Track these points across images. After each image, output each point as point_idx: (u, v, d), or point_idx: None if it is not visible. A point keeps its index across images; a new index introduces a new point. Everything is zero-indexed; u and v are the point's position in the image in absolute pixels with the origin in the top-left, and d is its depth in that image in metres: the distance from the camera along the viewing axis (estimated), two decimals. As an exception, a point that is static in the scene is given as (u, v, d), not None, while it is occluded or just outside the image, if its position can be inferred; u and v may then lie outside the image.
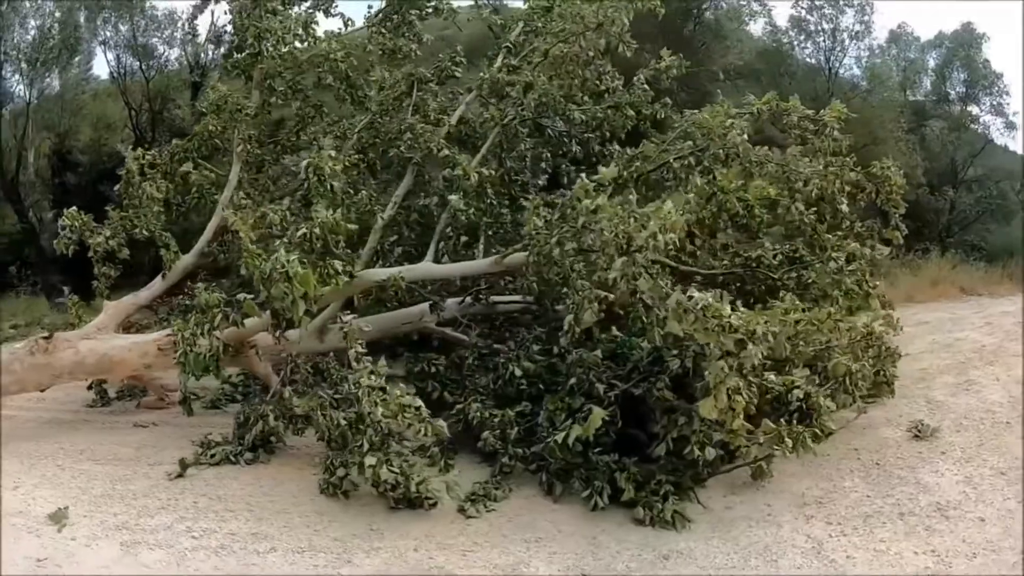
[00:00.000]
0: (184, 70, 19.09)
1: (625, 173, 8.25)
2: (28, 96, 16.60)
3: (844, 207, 9.45)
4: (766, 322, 6.17)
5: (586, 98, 9.80)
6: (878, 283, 8.66)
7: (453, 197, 7.96)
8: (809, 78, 18.40)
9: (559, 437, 6.47)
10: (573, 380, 6.89)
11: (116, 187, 9.15)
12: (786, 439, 6.32)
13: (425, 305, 9.21)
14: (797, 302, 6.91)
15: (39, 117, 16.97)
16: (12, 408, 7.28)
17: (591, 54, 8.61)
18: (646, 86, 9.62)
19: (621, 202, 6.28)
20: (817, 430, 6.57)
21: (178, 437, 7.37)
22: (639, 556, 5.80)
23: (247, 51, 8.28)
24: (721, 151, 7.75)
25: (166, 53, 19.12)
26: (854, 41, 18.59)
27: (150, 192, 8.08)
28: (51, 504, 5.50)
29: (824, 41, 18.45)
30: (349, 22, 9.54)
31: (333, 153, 7.44)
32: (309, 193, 7.47)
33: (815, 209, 9.50)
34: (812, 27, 18.69)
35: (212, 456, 6.77)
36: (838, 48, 18.29)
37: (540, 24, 9.55)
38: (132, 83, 18.38)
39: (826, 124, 8.34)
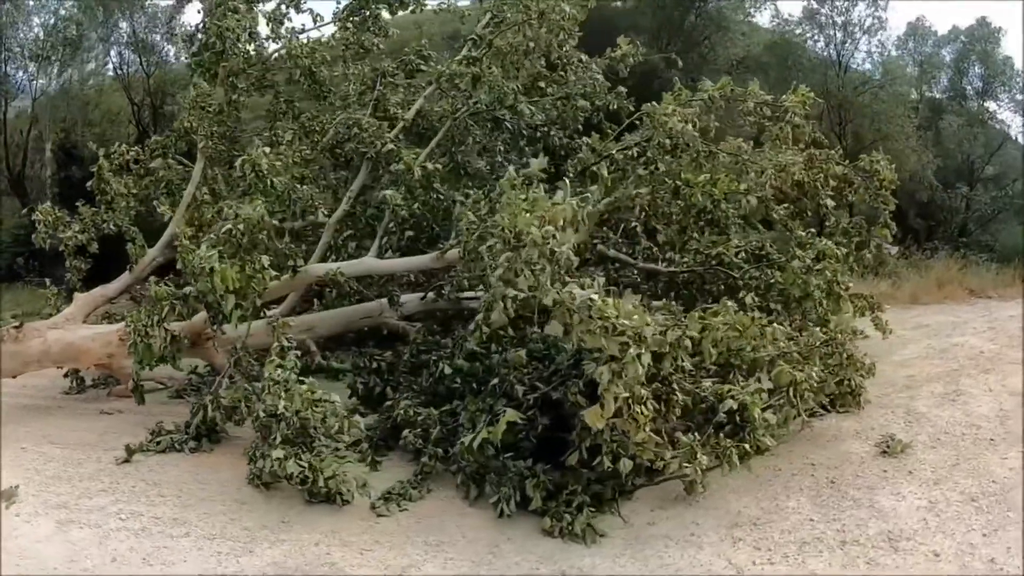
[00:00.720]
0: (182, 65, 18.61)
1: (569, 165, 7.30)
2: (33, 92, 16.40)
3: (828, 202, 8.26)
4: (680, 326, 5.20)
5: (550, 90, 8.74)
6: (850, 284, 7.44)
7: (389, 192, 7.17)
8: (820, 71, 16.86)
9: (467, 440, 5.60)
10: (495, 380, 5.98)
11: (88, 184, 8.81)
12: (699, 456, 5.26)
13: (385, 300, 8.51)
14: (730, 303, 5.84)
15: (46, 112, 16.71)
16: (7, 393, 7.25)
17: (532, 45, 7.55)
18: (599, 76, 8.48)
19: (526, 195, 5.34)
20: (748, 446, 5.47)
21: (139, 425, 7.10)
22: (536, 570, 4.96)
23: (210, 50, 7.75)
24: (668, 140, 6.67)
25: (166, 49, 18.70)
26: (866, 35, 17.01)
27: (117, 188, 7.63)
28: (6, 483, 5.46)
29: (835, 34, 16.91)
30: (318, 18, 8.81)
31: (268, 150, 6.89)
32: (248, 189, 7.02)
33: (790, 204, 8.38)
34: (824, 19, 17.16)
35: (158, 444, 6.50)
36: (849, 42, 16.75)
37: (508, 15, 8.62)
38: (134, 78, 17.90)
39: (787, 110, 7.16)
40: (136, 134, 16.87)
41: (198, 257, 6.00)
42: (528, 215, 5.10)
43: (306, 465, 5.49)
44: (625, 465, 5.23)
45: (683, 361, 5.30)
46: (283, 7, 8.57)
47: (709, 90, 6.91)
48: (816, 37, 17.50)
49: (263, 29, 8.25)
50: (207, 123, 7.80)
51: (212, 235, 6.41)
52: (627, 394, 4.96)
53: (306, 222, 7.60)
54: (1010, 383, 7.90)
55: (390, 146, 7.47)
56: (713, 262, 7.38)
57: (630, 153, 7.10)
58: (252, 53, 7.79)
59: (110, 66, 18.73)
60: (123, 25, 17.37)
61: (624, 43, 8.53)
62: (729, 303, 5.90)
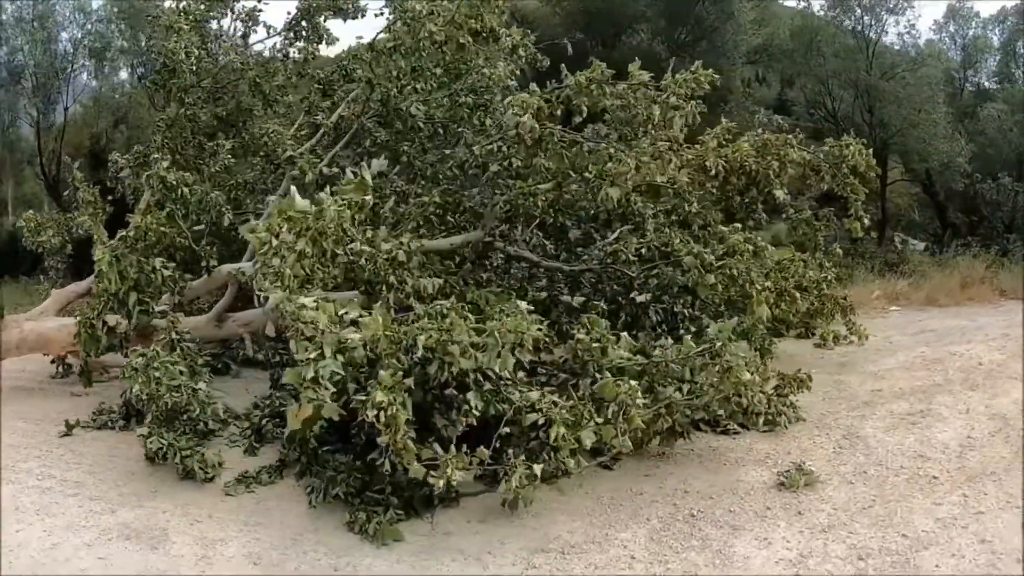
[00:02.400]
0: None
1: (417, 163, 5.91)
2: (64, 101, 16.49)
3: (780, 192, 6.28)
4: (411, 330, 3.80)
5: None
6: (766, 285, 5.46)
7: (271, 198, 6.12)
8: (850, 56, 13.79)
9: (286, 430, 4.50)
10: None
11: (66, 192, 8.32)
12: (451, 471, 3.83)
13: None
14: (522, 304, 4.26)
15: (75, 121, 16.61)
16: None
17: (409, 42, 6.01)
18: (497, 70, 6.72)
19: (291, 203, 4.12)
20: (545, 466, 3.91)
21: (95, 405, 6.66)
22: (317, 561, 3.93)
23: (160, 68, 7.03)
24: (514, 132, 5.01)
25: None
26: (893, 15, 13.66)
27: (85, 196, 7.17)
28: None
29: (862, 15, 13.71)
30: (271, 29, 7.73)
31: (165, 164, 6.14)
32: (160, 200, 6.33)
33: (737, 195, 6.47)
34: (850, 1, 13.91)
35: (95, 421, 6.14)
36: (876, 24, 13.56)
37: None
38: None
39: (661, 90, 5.24)
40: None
41: (99, 259, 5.68)
42: (279, 221, 3.92)
43: (165, 443, 4.94)
44: (417, 471, 3.87)
45: (453, 367, 3.89)
46: (237, 23, 7.72)
47: (576, 76, 5.14)
48: (841, 19, 14.30)
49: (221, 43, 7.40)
50: (159, 137, 7.09)
51: (111, 241, 5.92)
52: (382, 398, 3.66)
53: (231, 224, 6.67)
54: (997, 403, 5.62)
55: (289, 152, 6.39)
56: (608, 260, 5.67)
57: (491, 148, 5.52)
58: (196, 70, 6.84)
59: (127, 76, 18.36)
60: (142, 37, 16.96)
61: (517, 34, 6.75)
62: (521, 303, 4.33)
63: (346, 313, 3.85)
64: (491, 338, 3.92)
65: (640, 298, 5.21)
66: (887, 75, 12.91)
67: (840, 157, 6.57)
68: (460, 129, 6.11)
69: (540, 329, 4.12)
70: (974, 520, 4.07)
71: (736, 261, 5.13)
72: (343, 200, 4.09)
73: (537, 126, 4.66)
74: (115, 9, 16.18)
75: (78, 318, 6.43)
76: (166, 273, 5.58)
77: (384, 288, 4.60)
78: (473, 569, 3.83)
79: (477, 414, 4.07)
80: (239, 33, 7.53)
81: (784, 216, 7.02)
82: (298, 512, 4.48)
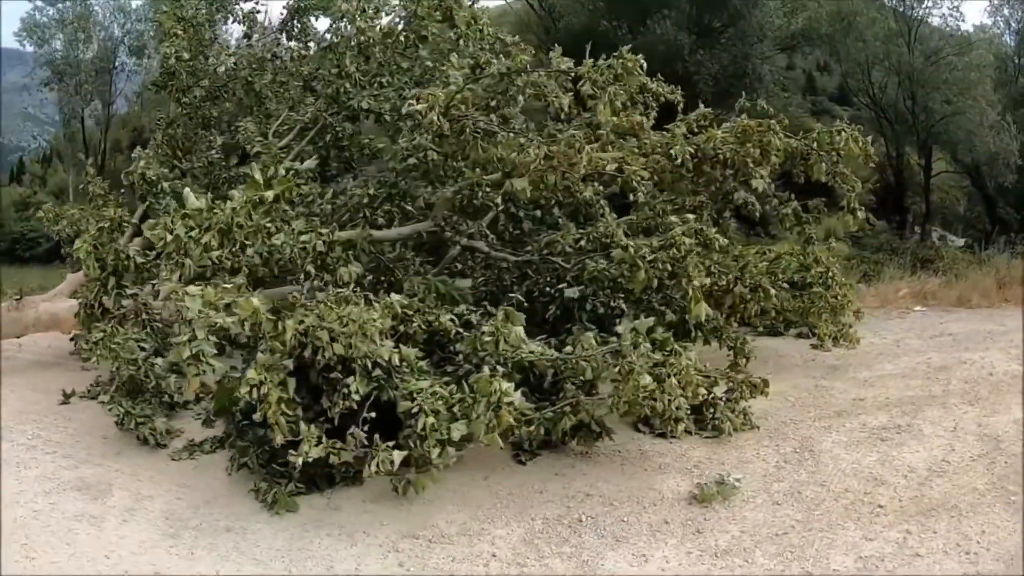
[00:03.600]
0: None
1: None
2: (108, 97, 16.65)
3: (758, 182, 5.28)
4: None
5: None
6: (705, 280, 4.50)
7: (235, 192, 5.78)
8: (891, 39, 11.63)
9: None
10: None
11: (80, 186, 8.24)
12: (309, 447, 3.38)
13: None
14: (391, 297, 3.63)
15: (120, 116, 16.72)
16: (9, 351, 7.11)
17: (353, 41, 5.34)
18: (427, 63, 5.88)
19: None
20: (398, 455, 3.34)
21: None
22: (216, 522, 3.64)
23: (161, 70, 6.86)
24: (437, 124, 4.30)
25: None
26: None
27: (95, 190, 7.04)
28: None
29: None
30: (265, 30, 7.22)
31: (143, 162, 5.96)
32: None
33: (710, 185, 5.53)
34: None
35: (89, 392, 5.97)
36: (920, 5, 11.30)
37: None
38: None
39: (560, 72, 4.33)
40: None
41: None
42: (175, 219, 3.59)
43: (123, 412, 4.71)
44: (308, 452, 3.46)
45: (326, 352, 3.41)
46: (236, 25, 7.35)
47: (497, 66, 4.35)
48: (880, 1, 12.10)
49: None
50: (158, 134, 6.86)
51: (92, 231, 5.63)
52: (255, 377, 3.28)
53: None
54: (992, 422, 4.42)
55: (258, 148, 5.88)
56: (545, 251, 4.91)
57: (413, 142, 4.85)
58: (193, 71, 6.54)
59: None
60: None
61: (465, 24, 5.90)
62: (395, 296, 3.74)
63: (221, 299, 3.46)
64: (348, 327, 3.40)
65: (569, 292, 4.48)
66: (931, 59, 10.85)
67: (831, 144, 5.43)
68: (399, 123, 5.53)
69: (411, 318, 3.56)
70: (906, 564, 3.10)
71: (672, 254, 4.25)
72: (240, 197, 3.72)
73: (437, 120, 4.02)
74: (152, 9, 16.43)
75: (79, 300, 6.22)
76: (139, 260, 5.34)
77: (303, 276, 4.19)
78: (341, 545, 3.39)
79: (357, 398, 3.57)
80: (241, 34, 7.23)
81: (767, 207, 5.92)
82: (223, 479, 4.19)
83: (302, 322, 3.44)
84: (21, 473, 4.05)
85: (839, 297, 5.75)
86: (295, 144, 5.35)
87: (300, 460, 3.37)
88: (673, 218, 4.60)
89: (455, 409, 3.50)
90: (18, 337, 7.10)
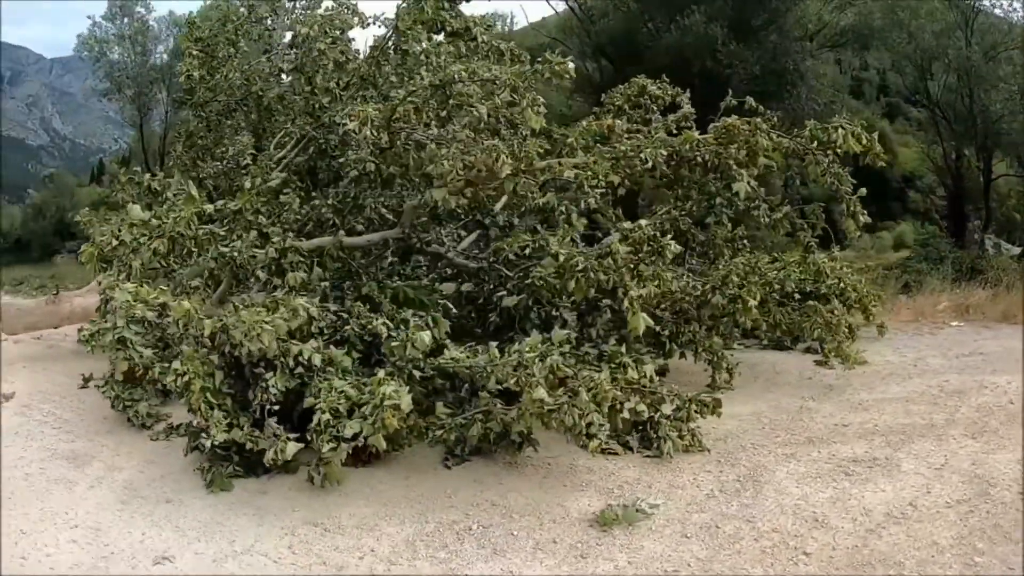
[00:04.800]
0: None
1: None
2: (166, 101, 16.60)
3: (742, 185, 4.59)
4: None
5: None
6: (642, 291, 3.81)
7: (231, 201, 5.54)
8: (948, 33, 9.48)
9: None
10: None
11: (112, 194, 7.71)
12: (217, 433, 3.29)
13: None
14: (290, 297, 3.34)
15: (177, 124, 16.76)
16: (53, 340, 7.33)
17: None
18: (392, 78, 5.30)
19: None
20: (292, 447, 3.12)
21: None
22: (162, 492, 3.63)
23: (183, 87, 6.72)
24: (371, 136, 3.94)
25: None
26: None
27: (123, 196, 6.46)
28: (19, 395, 5.38)
29: None
30: (279, 45, 6.72)
31: (148, 175, 5.80)
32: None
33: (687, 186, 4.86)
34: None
35: (103, 377, 5.74)
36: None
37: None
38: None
39: (487, 80, 3.75)
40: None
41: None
42: (122, 226, 3.64)
43: (114, 395, 4.77)
44: (217, 436, 3.39)
45: (243, 347, 3.26)
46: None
47: (429, 78, 3.90)
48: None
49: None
50: (177, 145, 6.76)
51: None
52: (179, 368, 3.29)
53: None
54: (990, 460, 3.42)
55: (247, 160, 5.65)
56: (492, 258, 4.44)
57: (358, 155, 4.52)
58: (211, 87, 6.29)
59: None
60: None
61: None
62: (300, 300, 3.45)
63: (156, 298, 3.46)
64: (255, 328, 3.25)
65: (507, 300, 4.04)
66: (990, 54, 8.86)
67: (827, 142, 4.56)
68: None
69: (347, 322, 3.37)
70: (800, 629, 2.39)
71: (607, 264, 3.67)
72: (179, 210, 3.71)
73: (370, 134, 3.75)
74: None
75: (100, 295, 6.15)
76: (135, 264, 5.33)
77: (254, 280, 4.13)
78: (251, 524, 3.23)
79: (274, 392, 3.44)
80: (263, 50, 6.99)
81: (752, 212, 5.06)
82: (183, 459, 4.07)
83: (221, 321, 3.33)
84: (28, 444, 4.25)
85: (836, 312, 4.79)
86: (289, 155, 5.33)
87: (209, 443, 3.28)
88: (626, 224, 4.01)
89: (364, 409, 3.23)
90: (55, 328, 7.27)
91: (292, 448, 3.22)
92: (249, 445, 3.38)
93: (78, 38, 21.19)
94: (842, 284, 5.32)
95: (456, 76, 3.71)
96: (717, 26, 9.80)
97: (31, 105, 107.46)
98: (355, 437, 3.16)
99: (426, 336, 3.38)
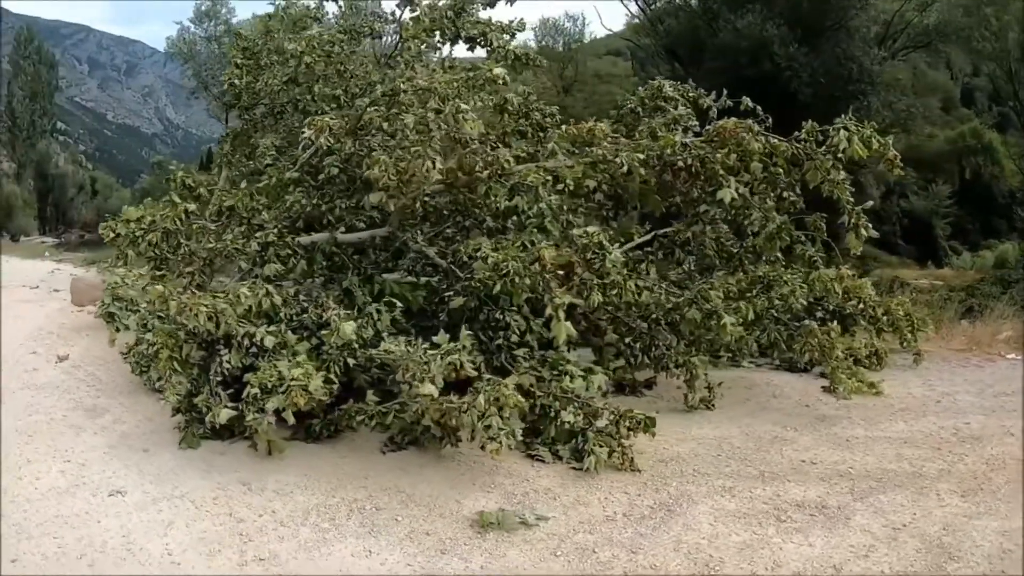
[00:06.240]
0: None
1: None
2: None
3: (728, 192, 4.11)
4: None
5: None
6: (566, 299, 3.38)
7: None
8: None
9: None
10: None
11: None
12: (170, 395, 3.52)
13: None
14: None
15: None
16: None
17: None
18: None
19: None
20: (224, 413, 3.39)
21: None
22: (138, 440, 3.93)
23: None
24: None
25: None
26: None
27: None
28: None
29: None
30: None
31: (180, 173, 5.45)
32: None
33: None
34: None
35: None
36: None
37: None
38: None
39: (425, 89, 3.41)
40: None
41: None
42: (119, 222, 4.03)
43: (133, 361, 4.71)
44: (171, 396, 3.69)
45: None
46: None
47: (382, 88, 3.70)
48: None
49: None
50: (225, 144, 6.66)
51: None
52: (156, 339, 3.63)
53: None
54: (971, 527, 2.70)
55: (267, 161, 5.50)
56: (450, 261, 4.22)
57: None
58: (255, 91, 6.09)
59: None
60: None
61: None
62: (243, 289, 3.52)
63: (137, 282, 3.82)
64: (192, 308, 3.45)
65: (454, 301, 3.90)
66: None
67: (830, 146, 3.87)
68: None
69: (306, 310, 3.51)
70: None
71: (535, 269, 3.38)
72: (165, 208, 4.04)
73: (326, 142, 3.79)
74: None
75: None
76: (131, 252, 4.83)
77: (237, 270, 4.36)
78: (196, 477, 3.40)
79: (228, 367, 3.65)
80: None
81: (743, 223, 4.36)
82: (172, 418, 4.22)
83: (184, 303, 3.59)
84: (62, 396, 4.66)
85: (833, 333, 4.04)
86: (303, 156, 5.54)
87: (170, 405, 3.53)
88: (576, 231, 3.70)
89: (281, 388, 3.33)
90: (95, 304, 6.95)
91: (225, 414, 3.40)
92: (204, 410, 3.59)
93: (167, 40, 21.36)
94: (863, 304, 4.46)
95: (400, 86, 3.63)
96: (774, 27, 8.61)
97: (146, 95, 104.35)
98: (279, 412, 3.23)
99: (348, 328, 3.38)
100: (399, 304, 3.85)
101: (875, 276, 6.89)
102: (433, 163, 3.39)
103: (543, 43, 19.74)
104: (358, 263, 4.82)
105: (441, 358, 3.08)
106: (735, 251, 4.59)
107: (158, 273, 3.93)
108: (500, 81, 3.62)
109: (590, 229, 3.70)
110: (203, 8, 19.86)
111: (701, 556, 2.66)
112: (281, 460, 3.64)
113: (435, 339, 3.21)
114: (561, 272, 3.36)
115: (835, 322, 4.35)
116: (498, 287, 3.43)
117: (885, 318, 4.74)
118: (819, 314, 4.89)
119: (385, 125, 3.79)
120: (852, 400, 4.35)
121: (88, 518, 3.04)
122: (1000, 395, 4.26)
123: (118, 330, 3.80)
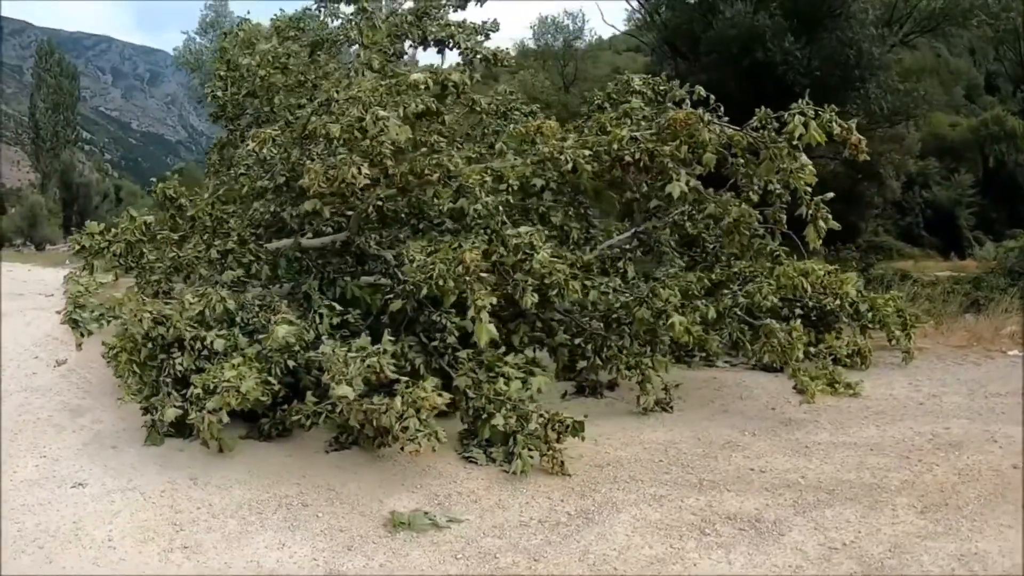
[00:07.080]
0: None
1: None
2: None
3: (679, 186, 3.85)
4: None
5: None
6: (491, 300, 3.16)
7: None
8: None
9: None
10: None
11: None
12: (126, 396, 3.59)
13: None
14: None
15: None
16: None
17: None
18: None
19: None
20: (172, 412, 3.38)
21: None
22: (111, 437, 3.97)
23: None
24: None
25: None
26: None
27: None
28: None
29: None
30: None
31: (161, 184, 5.57)
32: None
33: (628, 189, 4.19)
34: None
35: None
36: None
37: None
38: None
39: (353, 98, 3.25)
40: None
41: None
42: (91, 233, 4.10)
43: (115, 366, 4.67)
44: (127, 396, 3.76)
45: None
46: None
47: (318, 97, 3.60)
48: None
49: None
50: (212, 154, 6.44)
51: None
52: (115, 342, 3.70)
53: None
54: (922, 548, 2.32)
55: (242, 170, 5.26)
56: (395, 264, 4.06)
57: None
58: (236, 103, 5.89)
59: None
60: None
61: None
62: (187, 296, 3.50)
63: (97, 289, 3.91)
64: (138, 313, 3.48)
65: (393, 304, 3.78)
66: None
67: (788, 133, 3.54)
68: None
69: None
70: None
71: (458, 271, 3.21)
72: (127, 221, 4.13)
73: (268, 152, 3.77)
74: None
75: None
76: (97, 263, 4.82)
77: (198, 277, 4.36)
78: (152, 472, 3.42)
79: (181, 369, 3.67)
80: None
81: (695, 217, 4.01)
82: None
83: (131, 308, 3.63)
84: (52, 397, 4.70)
85: (795, 332, 3.67)
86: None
87: (123, 403, 3.59)
88: (509, 231, 3.52)
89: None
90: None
91: (172, 412, 3.42)
92: (158, 408, 3.61)
93: (174, 51, 20.30)
94: (840, 301, 4.05)
95: (334, 95, 3.57)
96: (765, 15, 8.02)
97: (169, 103, 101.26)
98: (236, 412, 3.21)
99: (281, 331, 3.32)
100: (339, 307, 3.76)
101: (880, 269, 6.26)
102: (359, 169, 3.29)
103: (541, 41, 19.22)
104: (322, 267, 4.77)
105: (361, 360, 2.96)
106: (697, 248, 4.25)
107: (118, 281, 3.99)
108: (423, 87, 3.47)
109: (523, 229, 3.50)
110: (207, 19, 19.58)
111: (605, 569, 2.42)
112: (231, 457, 3.61)
113: (355, 342, 3.10)
114: (485, 273, 3.17)
115: (798, 320, 3.94)
116: (424, 290, 3.28)
117: (871, 315, 4.27)
118: (798, 311, 4.47)
119: (325, 133, 3.73)
120: (825, 402, 3.92)
121: (49, 507, 3.12)
122: (993, 396, 3.73)
123: (83, 335, 3.87)
